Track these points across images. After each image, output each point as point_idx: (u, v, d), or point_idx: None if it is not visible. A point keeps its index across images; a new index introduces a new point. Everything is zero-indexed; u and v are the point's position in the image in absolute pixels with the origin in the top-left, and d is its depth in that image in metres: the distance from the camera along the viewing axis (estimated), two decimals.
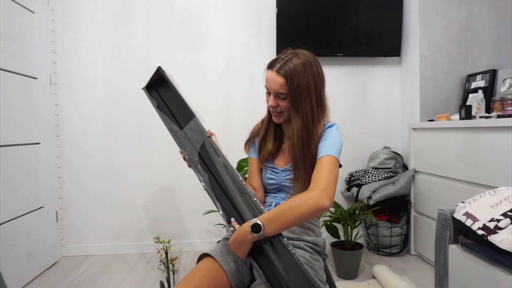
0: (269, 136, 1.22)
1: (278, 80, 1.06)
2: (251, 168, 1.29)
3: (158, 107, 1.20)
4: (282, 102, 1.09)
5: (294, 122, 1.09)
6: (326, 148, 1.05)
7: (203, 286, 0.97)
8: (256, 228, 0.91)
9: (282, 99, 1.09)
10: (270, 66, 1.09)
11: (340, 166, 1.07)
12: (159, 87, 1.23)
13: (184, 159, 1.13)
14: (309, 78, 1.07)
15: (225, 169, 1.06)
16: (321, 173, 0.98)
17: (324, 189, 0.92)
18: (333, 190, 0.95)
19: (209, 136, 1.12)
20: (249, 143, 1.30)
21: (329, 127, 1.14)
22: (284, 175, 1.18)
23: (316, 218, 1.22)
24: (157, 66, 1.18)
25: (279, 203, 1.12)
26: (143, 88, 1.22)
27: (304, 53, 1.10)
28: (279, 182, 1.19)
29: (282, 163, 1.20)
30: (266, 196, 1.27)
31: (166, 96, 1.21)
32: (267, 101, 1.13)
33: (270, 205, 1.19)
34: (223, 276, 1.01)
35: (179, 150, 1.14)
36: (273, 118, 1.15)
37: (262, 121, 1.26)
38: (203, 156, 1.10)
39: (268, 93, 1.12)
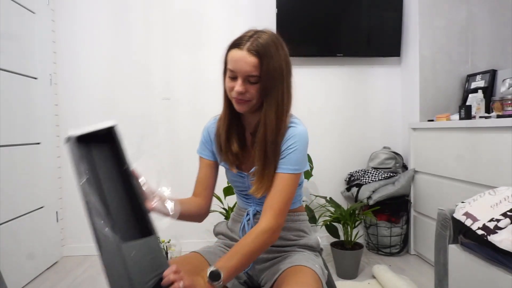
0: (233, 136, 1.02)
1: (250, 60, 0.89)
2: (202, 171, 1.09)
3: (88, 180, 0.74)
4: (252, 87, 0.92)
5: (266, 111, 0.93)
6: (288, 162, 0.94)
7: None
8: (214, 276, 0.80)
9: (252, 83, 0.91)
10: (236, 44, 0.91)
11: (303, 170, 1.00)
12: (96, 148, 0.78)
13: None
14: (282, 59, 0.93)
15: None
16: (278, 199, 0.92)
17: (276, 220, 0.90)
18: (284, 214, 0.93)
19: None
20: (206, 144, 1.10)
21: (295, 125, 0.98)
22: (252, 179, 1.01)
23: (302, 212, 1.11)
24: (112, 125, 0.78)
25: (257, 210, 1.05)
26: (69, 138, 0.77)
27: (272, 32, 0.95)
28: (247, 187, 1.04)
29: (248, 165, 1.03)
30: (238, 198, 1.14)
31: (102, 170, 0.77)
32: (230, 88, 0.94)
33: (248, 214, 1.07)
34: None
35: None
36: (237, 106, 0.95)
37: (220, 119, 1.05)
38: None
39: (233, 78, 0.93)
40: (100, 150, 0.77)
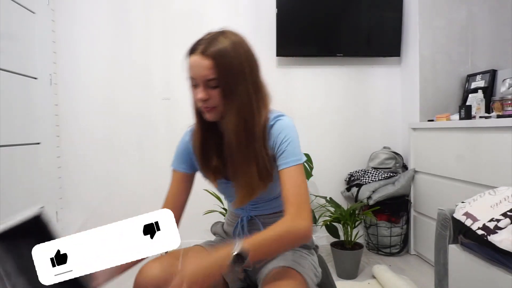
0: (210, 148, 0.98)
1: (204, 63, 0.84)
2: (175, 187, 1.05)
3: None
4: (214, 92, 0.87)
5: (229, 115, 0.88)
6: (288, 155, 0.89)
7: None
8: (239, 258, 0.73)
9: (213, 87, 0.86)
10: (192, 50, 0.88)
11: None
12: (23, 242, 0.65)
13: None
14: (242, 58, 0.88)
15: None
16: (295, 194, 0.86)
17: (305, 217, 0.84)
18: (307, 208, 0.86)
19: None
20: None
21: (279, 118, 0.94)
22: None
23: None
24: (37, 213, 0.65)
25: (250, 216, 1.03)
26: None
27: (231, 31, 0.91)
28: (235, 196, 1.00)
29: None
30: (229, 205, 1.11)
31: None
32: (195, 97, 0.90)
33: (242, 219, 1.05)
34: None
35: None
36: (206, 115, 0.91)
37: (194, 133, 1.01)
38: None
39: (195, 85, 0.89)
40: (29, 242, 0.62)
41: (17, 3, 2.08)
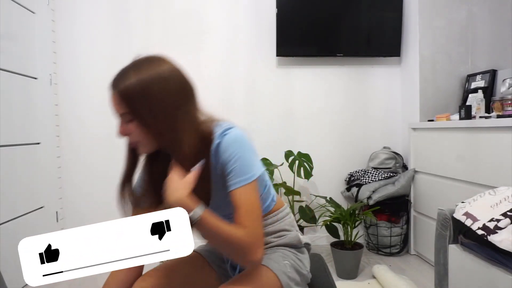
0: (148, 184, 0.97)
1: (114, 97, 0.82)
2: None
3: None
4: (132, 126, 0.83)
5: (152, 150, 0.86)
6: (236, 175, 0.81)
7: (190, 277, 0.96)
8: (192, 217, 0.69)
9: (129, 122, 0.83)
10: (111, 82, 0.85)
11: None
12: None
13: None
14: (150, 93, 0.80)
15: None
16: (243, 217, 0.79)
17: (249, 238, 0.78)
18: (257, 229, 0.81)
19: None
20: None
21: (225, 134, 0.84)
22: None
23: (279, 210, 1.03)
24: None
25: None
26: None
27: (150, 58, 0.86)
28: None
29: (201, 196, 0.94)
30: None
31: None
32: None
33: None
34: (211, 272, 1.02)
35: None
36: (139, 150, 0.89)
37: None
38: None
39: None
40: None
41: (17, 3, 2.08)
